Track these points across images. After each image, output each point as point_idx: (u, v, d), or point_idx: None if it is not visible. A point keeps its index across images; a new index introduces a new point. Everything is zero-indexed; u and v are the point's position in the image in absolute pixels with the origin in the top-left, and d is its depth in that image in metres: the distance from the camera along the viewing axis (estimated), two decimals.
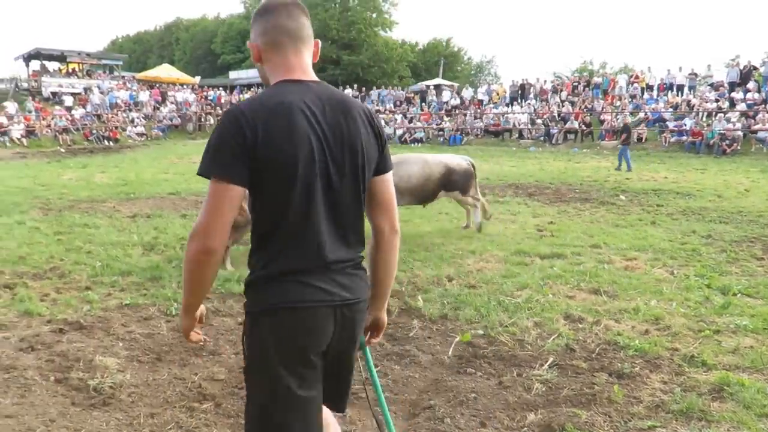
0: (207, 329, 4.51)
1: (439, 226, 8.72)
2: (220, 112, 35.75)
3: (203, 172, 1.59)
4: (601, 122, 25.10)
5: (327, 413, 1.86)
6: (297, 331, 1.62)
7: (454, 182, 8.14)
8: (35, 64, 38.07)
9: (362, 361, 2.07)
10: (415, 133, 28.38)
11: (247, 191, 1.63)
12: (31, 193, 12.44)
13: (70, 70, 39.47)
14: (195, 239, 1.61)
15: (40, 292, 5.69)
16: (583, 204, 10.50)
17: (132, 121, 32.06)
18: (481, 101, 31.54)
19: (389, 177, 1.81)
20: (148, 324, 4.73)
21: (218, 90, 39.54)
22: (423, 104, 32.57)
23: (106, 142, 28.29)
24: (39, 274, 6.26)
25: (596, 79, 29.73)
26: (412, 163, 8.00)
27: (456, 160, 8.33)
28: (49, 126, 27.90)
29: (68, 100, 31.84)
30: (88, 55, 40.28)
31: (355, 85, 36.63)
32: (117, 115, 31.90)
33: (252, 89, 41.64)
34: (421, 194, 7.89)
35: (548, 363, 3.75)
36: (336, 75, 45.96)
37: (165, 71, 40.90)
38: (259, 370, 1.65)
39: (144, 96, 35.27)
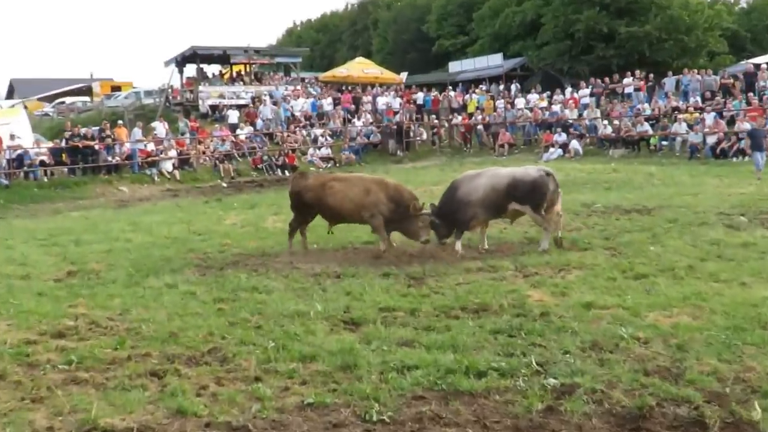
0: None
1: None
2: (437, 121, 37.85)
3: None
4: None
5: None
6: None
7: (521, 195, 11.82)
8: (190, 69, 45.22)
9: None
10: (740, 140, 25.85)
11: None
12: (185, 244, 14.32)
13: (235, 75, 46.01)
14: None
15: (196, 383, 6.38)
16: None
17: (315, 140, 35.78)
18: None
19: None
20: None
21: (432, 90, 42.35)
22: (749, 94, 30.15)
23: (280, 172, 31.97)
24: (195, 358, 7.07)
25: None
26: (482, 175, 12.36)
27: (528, 171, 12.16)
28: (206, 152, 32.70)
29: (232, 116, 36.87)
30: (257, 52, 46.31)
31: (638, 71, 35.83)
32: (295, 133, 36.01)
33: (481, 86, 43.36)
34: (488, 206, 12.04)
35: None
36: (608, 56, 45.38)
37: (359, 68, 45.24)
38: None
39: (330, 104, 39.40)
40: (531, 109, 35.62)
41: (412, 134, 36.84)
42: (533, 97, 37.45)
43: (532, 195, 11.84)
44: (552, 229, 12.03)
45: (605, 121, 31.85)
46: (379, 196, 12.72)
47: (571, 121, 33.26)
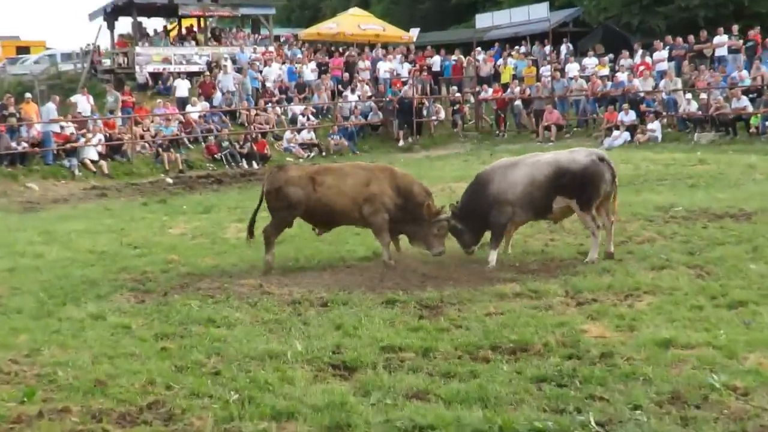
0: None
1: None
2: (459, 95, 37.89)
3: None
4: None
5: None
6: None
7: (567, 187, 12.26)
8: (124, 25, 44.78)
9: None
10: None
11: None
12: (116, 261, 14.30)
13: (184, 32, 45.80)
14: None
15: None
16: None
17: (293, 120, 35.74)
18: None
19: None
20: None
21: (454, 53, 41.97)
22: None
23: (246, 163, 31.98)
24: (130, 415, 7.03)
25: None
26: (519, 165, 12.81)
27: (575, 155, 12.59)
28: (145, 137, 32.47)
29: (181, 88, 36.78)
30: (214, 0, 45.72)
31: (734, 27, 35.18)
32: (266, 111, 35.93)
33: (519, 47, 43.07)
34: (530, 205, 12.58)
35: None
36: (693, 7, 44.98)
37: (353, 23, 45.38)
38: None
39: (313, 72, 39.38)
40: (588, 79, 35.65)
41: (425, 113, 36.93)
42: (591, 61, 37.42)
43: (581, 187, 12.21)
44: (604, 229, 12.53)
45: (689, 95, 31.83)
46: (383, 187, 12.89)
47: (642, 95, 33.30)
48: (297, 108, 36.50)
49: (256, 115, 35.54)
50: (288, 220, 13.49)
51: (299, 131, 34.70)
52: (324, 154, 33.06)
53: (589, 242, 12.88)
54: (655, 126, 31.09)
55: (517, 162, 12.95)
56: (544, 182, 12.29)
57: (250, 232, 13.60)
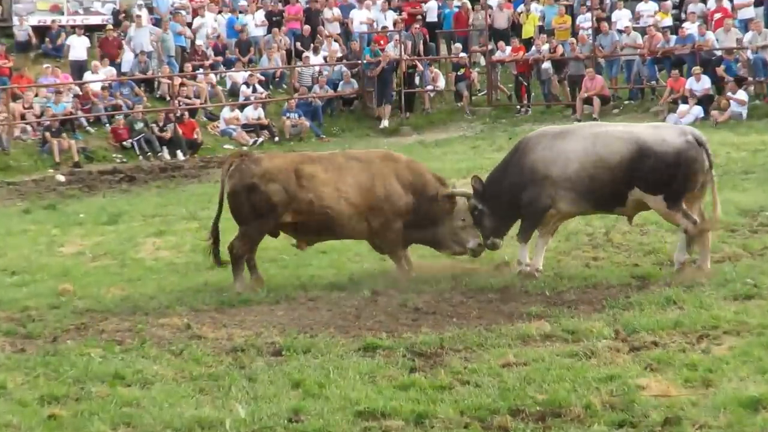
0: None
1: None
2: (464, 56, 37.83)
3: None
4: None
5: None
6: None
7: (651, 175, 12.24)
8: None
9: None
10: None
11: None
12: None
13: None
14: None
15: None
16: None
17: (233, 92, 35.74)
18: None
19: None
20: None
21: None
22: None
23: (168, 153, 32.04)
24: None
25: None
26: (575, 134, 12.84)
27: (664, 132, 12.64)
28: (26, 116, 32.38)
29: (77, 48, 36.72)
30: None
31: None
32: (195, 78, 35.99)
33: None
34: (590, 192, 12.52)
35: None
36: None
37: None
38: None
39: (261, 25, 39.32)
40: (644, 31, 35.65)
41: (417, 81, 37.00)
42: (648, 7, 37.48)
43: (671, 177, 12.19)
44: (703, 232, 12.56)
45: None
46: (394, 186, 12.94)
47: (720, 54, 33.35)
48: (239, 75, 36.44)
49: (182, 85, 35.46)
50: (264, 231, 13.51)
51: (242, 108, 34.70)
52: (277, 138, 33.03)
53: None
54: (739, 97, 30.97)
55: (573, 130, 12.94)
56: (615, 165, 12.24)
57: (215, 254, 13.58)
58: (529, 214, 12.60)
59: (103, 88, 34.39)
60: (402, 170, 13.15)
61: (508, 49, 37.36)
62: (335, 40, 38.56)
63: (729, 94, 31.08)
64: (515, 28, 38.90)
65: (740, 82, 31.82)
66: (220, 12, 40.67)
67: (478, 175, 12.93)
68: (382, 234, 12.95)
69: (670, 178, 12.06)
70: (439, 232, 13.01)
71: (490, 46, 37.97)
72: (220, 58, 37.74)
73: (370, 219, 12.93)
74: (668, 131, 12.53)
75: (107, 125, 32.93)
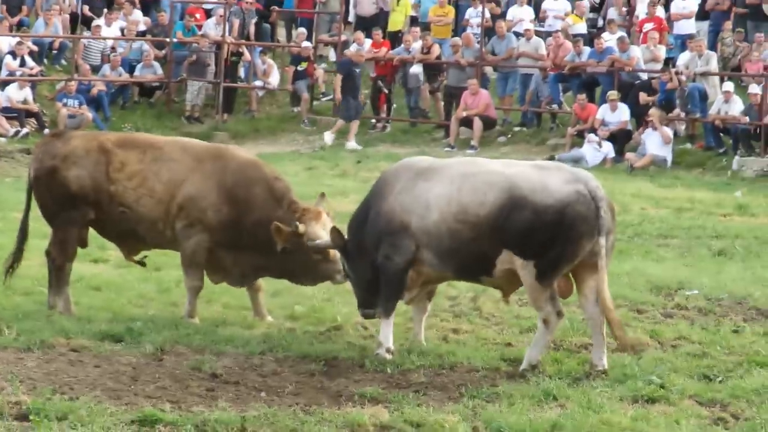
0: None
1: None
2: (309, 45, 38.00)
3: None
4: None
5: None
6: None
7: (524, 235, 11.72)
8: None
9: None
10: None
11: None
12: None
13: None
14: None
15: None
16: None
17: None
18: None
19: None
20: None
21: None
22: None
23: None
24: None
25: None
26: (443, 177, 12.29)
27: (547, 177, 11.96)
28: None
29: None
30: None
31: None
32: None
33: None
34: (450, 254, 12.19)
35: None
36: None
37: None
38: None
39: None
40: (548, 35, 36.30)
41: (242, 73, 37.82)
42: (558, 5, 38.17)
43: (550, 239, 11.62)
44: (598, 326, 12.48)
45: (729, 85, 32.56)
46: (205, 185, 12.97)
47: (645, 76, 34.06)
48: (3, 41, 36.42)
49: None
50: (73, 230, 13.46)
51: (3, 85, 34.58)
52: (47, 131, 32.83)
53: (521, 341, 12.96)
54: (662, 135, 31.61)
55: (441, 168, 12.49)
56: (481, 219, 11.81)
57: (11, 265, 13.44)
58: (386, 276, 12.34)
59: None
60: (226, 165, 13.06)
61: (368, 42, 37.69)
62: (134, 8, 38.40)
63: (650, 131, 31.41)
64: (380, 16, 39.15)
65: (666, 113, 32.15)
66: None
67: (335, 226, 12.74)
68: (182, 240, 12.89)
69: (547, 240, 11.48)
70: (290, 261, 12.93)
71: (344, 37, 38.25)
72: None
73: (176, 222, 12.87)
74: (555, 175, 11.82)
75: None
